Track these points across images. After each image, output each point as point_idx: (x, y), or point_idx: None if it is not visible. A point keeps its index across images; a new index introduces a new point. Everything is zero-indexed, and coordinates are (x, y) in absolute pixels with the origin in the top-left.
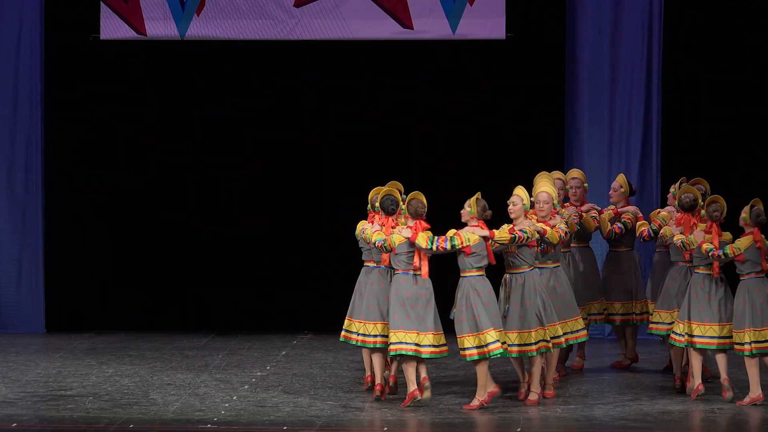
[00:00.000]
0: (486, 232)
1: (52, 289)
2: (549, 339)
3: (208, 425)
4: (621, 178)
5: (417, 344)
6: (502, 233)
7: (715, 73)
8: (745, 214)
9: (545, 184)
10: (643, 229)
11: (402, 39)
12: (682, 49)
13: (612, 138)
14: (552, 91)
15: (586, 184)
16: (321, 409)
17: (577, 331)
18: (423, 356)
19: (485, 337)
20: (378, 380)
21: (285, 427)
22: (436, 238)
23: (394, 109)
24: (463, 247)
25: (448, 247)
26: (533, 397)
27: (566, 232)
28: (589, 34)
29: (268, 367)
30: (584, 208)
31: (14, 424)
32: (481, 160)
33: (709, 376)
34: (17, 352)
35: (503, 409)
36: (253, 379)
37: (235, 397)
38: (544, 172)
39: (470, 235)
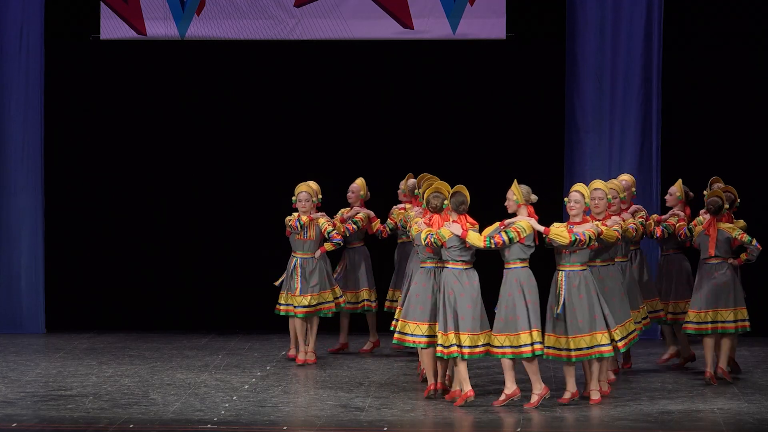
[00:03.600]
0: (459, 231)
1: (52, 289)
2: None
3: (208, 425)
4: (631, 179)
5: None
6: (475, 237)
7: (716, 73)
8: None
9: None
10: (657, 228)
11: (402, 39)
12: (682, 49)
13: (612, 138)
14: (552, 92)
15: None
16: (321, 409)
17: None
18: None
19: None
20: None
21: (285, 427)
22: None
23: (394, 109)
24: (441, 242)
25: (432, 242)
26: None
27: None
28: (589, 34)
29: (268, 367)
30: (609, 222)
31: (14, 424)
32: (480, 160)
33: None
34: (17, 352)
35: (503, 409)
36: (253, 379)
37: (235, 397)
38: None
39: (444, 230)
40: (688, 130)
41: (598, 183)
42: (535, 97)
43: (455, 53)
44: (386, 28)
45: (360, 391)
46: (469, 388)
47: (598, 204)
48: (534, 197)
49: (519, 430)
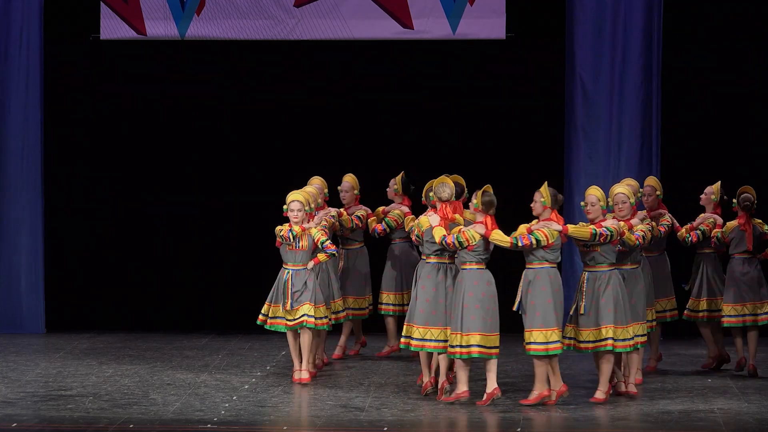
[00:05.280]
0: (483, 230)
1: (52, 289)
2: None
3: (208, 425)
4: (654, 181)
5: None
6: (501, 236)
7: (716, 73)
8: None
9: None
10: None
11: (402, 39)
12: (682, 49)
13: (611, 138)
14: (552, 91)
15: (658, 192)
16: (321, 409)
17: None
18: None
19: (457, 338)
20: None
21: (285, 427)
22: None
23: (394, 109)
24: (468, 245)
25: (456, 244)
26: (599, 395)
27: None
28: (589, 34)
29: (268, 367)
30: (634, 221)
31: (14, 424)
32: (480, 160)
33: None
34: (17, 352)
35: (503, 409)
36: (253, 379)
37: (235, 397)
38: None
39: (473, 232)
40: (688, 129)
41: (592, 189)
42: (535, 97)
43: (455, 53)
44: (386, 28)
45: (360, 391)
46: (466, 388)
47: (590, 210)
48: (446, 197)
49: (519, 430)
